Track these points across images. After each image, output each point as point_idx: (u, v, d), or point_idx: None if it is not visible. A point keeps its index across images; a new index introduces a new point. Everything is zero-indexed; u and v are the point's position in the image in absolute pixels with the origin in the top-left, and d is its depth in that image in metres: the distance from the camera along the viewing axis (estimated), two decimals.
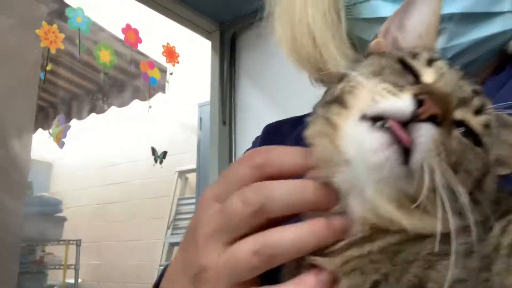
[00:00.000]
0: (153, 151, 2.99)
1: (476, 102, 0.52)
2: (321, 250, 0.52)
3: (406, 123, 0.45)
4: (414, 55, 0.56)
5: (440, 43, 0.77)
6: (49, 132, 2.33)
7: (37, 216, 3.99)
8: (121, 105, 3.58)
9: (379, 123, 0.45)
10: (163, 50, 2.85)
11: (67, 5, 2.86)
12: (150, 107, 2.82)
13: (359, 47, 0.88)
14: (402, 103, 0.46)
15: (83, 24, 2.49)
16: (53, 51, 2.36)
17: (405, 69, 0.54)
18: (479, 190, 0.52)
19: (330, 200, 0.51)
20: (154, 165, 3.00)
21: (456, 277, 0.46)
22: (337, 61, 0.84)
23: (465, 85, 0.53)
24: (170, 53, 2.86)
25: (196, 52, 3.28)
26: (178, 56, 2.88)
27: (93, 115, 3.96)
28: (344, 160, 0.48)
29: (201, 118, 3.83)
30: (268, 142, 0.97)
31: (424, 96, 0.45)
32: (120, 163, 4.92)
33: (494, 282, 0.48)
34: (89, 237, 4.76)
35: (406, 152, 0.45)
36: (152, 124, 3.57)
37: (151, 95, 3.22)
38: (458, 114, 0.51)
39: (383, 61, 0.56)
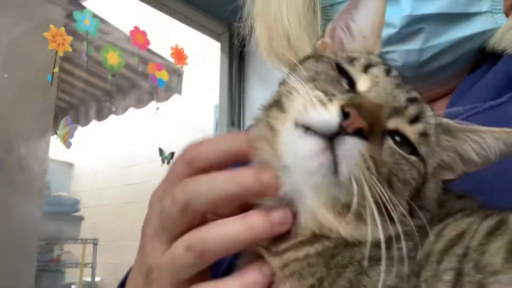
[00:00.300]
0: (160, 152, 3.01)
1: (412, 111, 0.52)
2: (274, 242, 0.52)
3: (334, 135, 0.44)
4: (352, 60, 0.55)
5: (417, 44, 0.76)
6: (56, 133, 2.37)
7: (55, 215, 4.07)
8: (129, 107, 3.63)
9: (310, 132, 0.45)
10: (171, 52, 2.87)
11: (83, 7, 2.93)
12: (157, 108, 2.84)
13: None
14: (329, 116, 0.45)
15: (91, 26, 2.53)
16: (60, 53, 2.41)
17: (341, 75, 0.54)
18: (418, 198, 0.51)
19: (260, 192, 0.49)
20: (162, 165, 3.02)
21: (387, 284, 0.46)
22: None
23: (400, 93, 0.52)
24: (179, 55, 2.88)
25: (205, 53, 3.30)
26: (187, 57, 2.90)
27: (111, 116, 4.04)
28: (282, 166, 0.48)
29: (217, 120, 3.85)
30: None
31: (350, 109, 0.45)
32: (138, 164, 4.98)
33: None
34: (107, 236, 4.84)
35: (336, 162, 0.45)
36: (162, 125, 3.61)
37: (165, 97, 3.26)
38: (392, 123, 0.50)
39: (320, 66, 0.55)
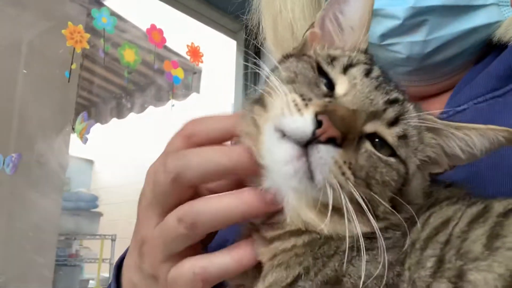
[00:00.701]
0: None
1: (390, 113, 0.52)
2: (265, 227, 0.53)
3: (308, 143, 0.46)
4: (332, 60, 0.56)
5: (421, 35, 0.76)
6: (73, 128, 2.41)
7: (74, 211, 4.12)
8: (147, 104, 3.66)
9: (286, 138, 0.47)
10: (187, 49, 2.89)
11: (102, 5, 2.97)
12: (173, 105, 2.86)
13: None
14: (303, 123, 0.46)
15: (108, 24, 2.56)
16: (78, 50, 2.45)
17: (321, 76, 0.55)
18: (402, 194, 0.52)
19: (251, 168, 0.51)
20: None
21: (371, 272, 0.47)
22: None
23: (378, 96, 0.52)
24: (195, 53, 2.91)
25: (221, 52, 3.31)
26: (202, 55, 2.92)
27: (131, 114, 4.09)
28: (264, 165, 0.50)
29: None
30: None
31: (323, 117, 0.46)
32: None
33: (404, 276, 0.47)
34: (125, 233, 4.86)
35: (311, 169, 0.46)
36: (180, 122, 3.62)
37: (183, 95, 3.29)
38: (369, 127, 0.51)
39: (300, 67, 0.56)
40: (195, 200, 0.52)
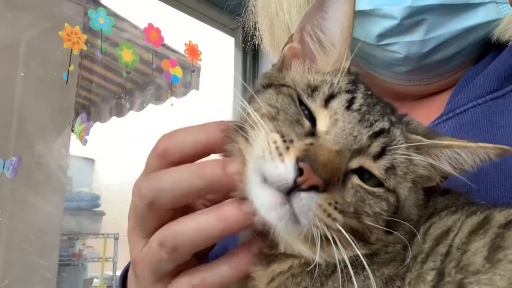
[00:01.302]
0: None
1: (375, 147, 0.51)
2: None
3: (290, 190, 0.45)
4: (313, 90, 0.54)
5: (419, 35, 0.75)
6: (72, 130, 2.40)
7: (76, 210, 4.13)
8: (147, 103, 3.65)
9: (267, 184, 0.46)
10: (185, 48, 2.88)
11: (100, 5, 2.96)
12: (172, 104, 2.85)
13: None
14: (284, 170, 0.45)
15: (105, 24, 2.55)
16: (75, 51, 2.44)
17: (302, 107, 0.53)
18: (397, 215, 0.51)
19: (228, 185, 0.49)
20: None
21: None
22: None
23: (361, 131, 0.51)
24: (193, 51, 2.89)
25: (220, 49, 3.30)
26: (201, 53, 2.91)
27: (131, 112, 4.08)
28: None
29: None
30: None
31: (304, 164, 0.45)
32: None
33: None
34: None
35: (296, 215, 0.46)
36: (179, 121, 3.62)
37: (182, 93, 3.28)
38: (355, 163, 0.50)
39: (280, 101, 0.54)
40: (173, 222, 0.51)
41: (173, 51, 3.17)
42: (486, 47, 0.80)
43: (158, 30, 2.74)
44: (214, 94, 3.94)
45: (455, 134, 0.66)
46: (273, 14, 0.90)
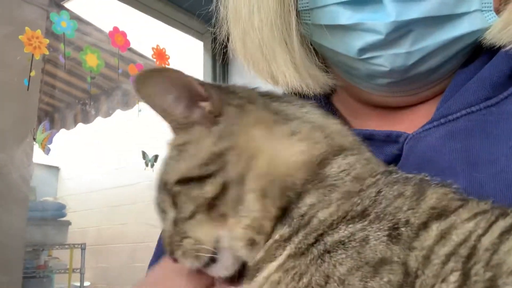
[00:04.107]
0: (144, 155, 2.96)
1: None
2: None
3: None
4: None
5: (404, 47, 0.71)
6: (34, 139, 2.30)
7: (41, 221, 4.00)
8: (114, 108, 3.57)
9: None
10: (153, 52, 2.81)
11: (63, 8, 2.86)
12: (140, 110, 2.78)
13: (320, 54, 0.82)
14: None
15: (68, 28, 2.47)
16: (37, 56, 2.34)
17: None
18: None
19: None
20: (145, 169, 2.97)
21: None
22: (285, 77, 0.76)
23: None
24: (160, 55, 2.83)
25: (188, 53, 3.25)
26: (169, 58, 2.84)
27: (98, 119, 3.99)
28: None
29: None
30: None
31: None
32: (123, 166, 4.92)
33: None
34: (95, 240, 4.77)
35: None
36: (146, 127, 3.55)
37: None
38: None
39: None
40: None
41: (140, 55, 3.10)
42: (474, 51, 0.77)
43: (124, 34, 2.67)
44: None
45: (447, 141, 0.64)
46: (246, 26, 0.84)
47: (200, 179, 0.50)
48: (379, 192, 0.48)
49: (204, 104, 0.53)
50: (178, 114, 0.55)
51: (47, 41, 2.35)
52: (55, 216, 4.25)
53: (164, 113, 0.56)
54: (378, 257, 0.43)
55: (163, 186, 0.54)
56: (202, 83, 0.53)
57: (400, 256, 0.43)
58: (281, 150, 0.51)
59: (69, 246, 4.22)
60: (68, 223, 4.38)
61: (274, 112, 0.55)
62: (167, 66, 2.85)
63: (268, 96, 0.60)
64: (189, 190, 0.51)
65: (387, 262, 0.42)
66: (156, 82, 0.54)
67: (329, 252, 0.44)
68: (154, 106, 0.56)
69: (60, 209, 4.30)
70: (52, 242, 4.17)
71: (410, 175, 0.52)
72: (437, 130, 0.68)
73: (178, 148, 0.54)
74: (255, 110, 0.55)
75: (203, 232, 0.51)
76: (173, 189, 0.52)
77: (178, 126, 0.56)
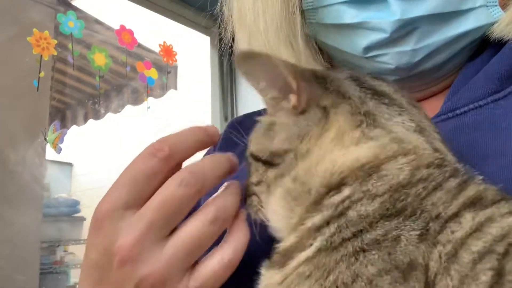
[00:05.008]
0: None
1: None
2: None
3: None
4: None
5: (409, 45, 0.71)
6: (45, 139, 2.33)
7: (56, 217, 4.06)
8: (124, 104, 3.60)
9: None
10: (160, 49, 2.81)
11: (71, 7, 2.87)
12: (148, 107, 2.80)
13: (326, 52, 0.82)
14: None
15: (75, 28, 2.47)
16: (45, 57, 2.36)
17: None
18: None
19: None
20: None
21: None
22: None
23: None
24: (168, 52, 2.83)
25: (195, 49, 3.25)
26: (176, 54, 2.84)
27: (109, 114, 4.02)
28: None
29: None
30: (228, 139, 0.89)
31: None
32: None
33: None
34: None
35: None
36: (156, 122, 3.57)
37: (160, 94, 3.22)
38: None
39: None
40: None
41: (148, 51, 3.11)
42: (481, 45, 0.77)
43: (131, 32, 2.67)
44: (192, 93, 3.89)
45: (455, 135, 0.63)
46: (251, 26, 0.84)
47: (265, 163, 0.52)
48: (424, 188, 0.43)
49: (292, 97, 0.51)
50: (268, 98, 0.55)
51: (55, 41, 2.36)
52: (70, 213, 4.32)
53: (260, 93, 0.56)
54: (407, 261, 0.38)
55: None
56: (296, 76, 0.50)
57: (425, 255, 0.38)
58: (344, 155, 0.47)
59: (84, 242, 4.27)
60: (82, 218, 4.44)
61: (363, 113, 0.49)
62: (174, 62, 2.86)
63: (371, 91, 0.53)
64: (257, 165, 0.54)
65: (414, 267, 0.38)
66: (253, 64, 0.52)
67: (364, 251, 0.40)
68: (251, 85, 0.56)
69: (74, 205, 4.37)
70: (67, 238, 4.23)
71: (459, 167, 0.48)
72: (444, 124, 0.68)
73: (263, 126, 0.56)
74: (341, 116, 0.50)
75: (262, 197, 0.54)
76: (248, 157, 0.56)
77: (272, 106, 0.56)
